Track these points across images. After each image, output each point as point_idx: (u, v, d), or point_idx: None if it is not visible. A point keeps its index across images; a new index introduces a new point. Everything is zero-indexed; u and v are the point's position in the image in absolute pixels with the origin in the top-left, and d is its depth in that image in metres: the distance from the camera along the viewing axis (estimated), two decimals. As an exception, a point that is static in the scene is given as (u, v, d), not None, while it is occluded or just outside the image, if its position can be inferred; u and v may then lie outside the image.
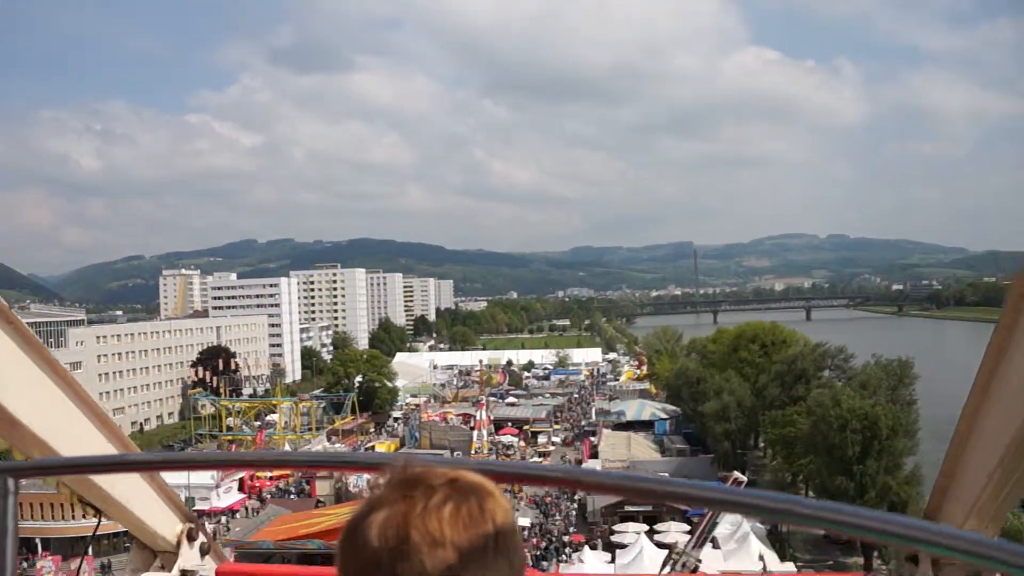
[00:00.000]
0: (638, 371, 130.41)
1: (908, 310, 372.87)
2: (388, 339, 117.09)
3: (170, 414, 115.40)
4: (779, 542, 51.74)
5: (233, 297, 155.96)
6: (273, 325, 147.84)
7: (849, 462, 50.45)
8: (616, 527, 53.91)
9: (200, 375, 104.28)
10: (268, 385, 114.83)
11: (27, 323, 2.42)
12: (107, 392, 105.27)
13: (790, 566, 43.60)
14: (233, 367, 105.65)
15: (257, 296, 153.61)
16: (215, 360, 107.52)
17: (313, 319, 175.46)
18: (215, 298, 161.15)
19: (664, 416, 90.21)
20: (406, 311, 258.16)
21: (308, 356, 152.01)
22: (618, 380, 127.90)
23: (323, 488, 65.86)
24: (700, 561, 40.49)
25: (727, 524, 52.37)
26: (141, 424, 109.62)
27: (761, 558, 45.48)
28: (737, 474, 39.87)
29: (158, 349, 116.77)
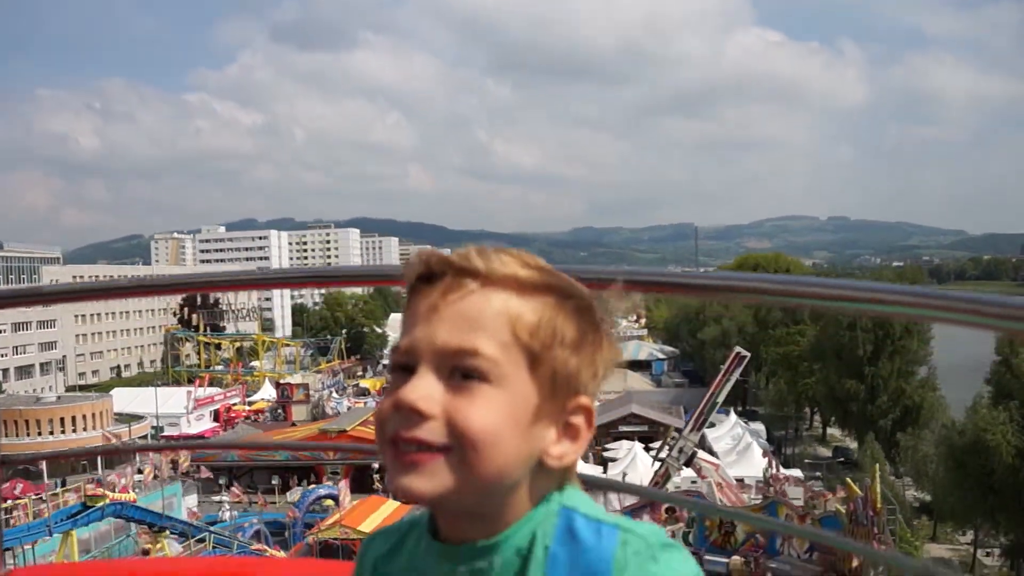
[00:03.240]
0: (636, 324, 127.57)
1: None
2: (384, 303, 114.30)
3: (152, 361, 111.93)
4: (782, 457, 48.78)
5: (221, 250, 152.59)
6: (263, 302, 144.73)
7: (859, 363, 46.85)
8: (609, 445, 51.91)
9: (182, 313, 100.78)
10: (254, 326, 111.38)
11: None
12: (84, 335, 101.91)
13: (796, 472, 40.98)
14: (213, 301, 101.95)
15: (247, 249, 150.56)
16: (198, 302, 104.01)
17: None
18: (202, 251, 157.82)
19: (662, 356, 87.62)
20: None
21: (299, 313, 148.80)
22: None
23: (299, 413, 62.89)
24: (696, 447, 37.57)
25: (728, 439, 49.63)
26: (120, 368, 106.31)
27: (766, 454, 42.73)
28: (739, 349, 36.57)
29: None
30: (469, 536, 0.98)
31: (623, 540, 0.92)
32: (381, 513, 39.71)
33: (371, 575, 1.08)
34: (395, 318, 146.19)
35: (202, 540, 33.07)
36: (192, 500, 43.65)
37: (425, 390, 0.94)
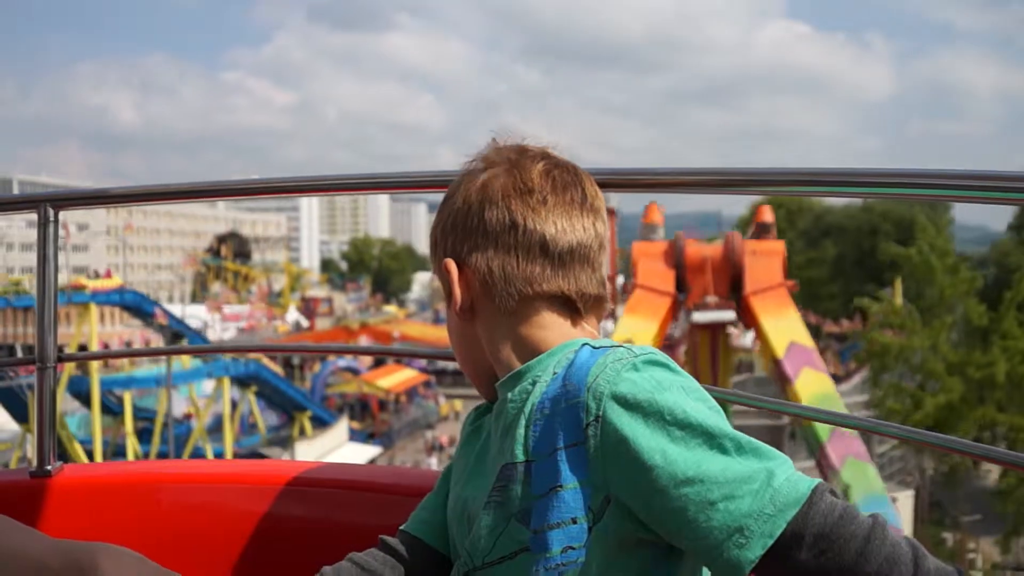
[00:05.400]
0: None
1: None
2: (410, 262, 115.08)
3: (181, 297, 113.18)
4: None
5: (253, 210, 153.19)
6: (292, 229, 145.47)
7: (881, 271, 46.41)
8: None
9: (217, 246, 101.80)
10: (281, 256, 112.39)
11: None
12: (115, 264, 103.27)
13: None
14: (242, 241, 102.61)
15: (277, 209, 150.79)
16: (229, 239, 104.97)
17: (334, 235, 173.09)
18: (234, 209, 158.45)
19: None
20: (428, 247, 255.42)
21: (327, 266, 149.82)
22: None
23: (323, 326, 63.55)
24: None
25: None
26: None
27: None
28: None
29: (171, 231, 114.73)
30: (507, 374, 1.10)
31: (610, 352, 0.99)
32: (400, 375, 40.37)
33: (470, 423, 1.21)
34: (421, 276, 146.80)
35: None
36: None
37: None
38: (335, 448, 30.08)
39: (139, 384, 28.13)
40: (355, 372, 41.53)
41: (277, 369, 34.49)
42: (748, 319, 12.84)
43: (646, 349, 0.99)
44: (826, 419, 1.51)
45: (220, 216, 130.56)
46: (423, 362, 46.43)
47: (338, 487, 1.59)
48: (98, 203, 1.94)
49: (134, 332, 49.49)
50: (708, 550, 0.89)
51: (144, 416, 30.05)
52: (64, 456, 25.22)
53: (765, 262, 13.63)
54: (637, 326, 12.00)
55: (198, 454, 29.44)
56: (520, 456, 1.00)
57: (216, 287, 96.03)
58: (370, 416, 40.20)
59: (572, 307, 1.10)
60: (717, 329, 13.66)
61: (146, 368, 28.33)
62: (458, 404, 43.78)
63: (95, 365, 26.71)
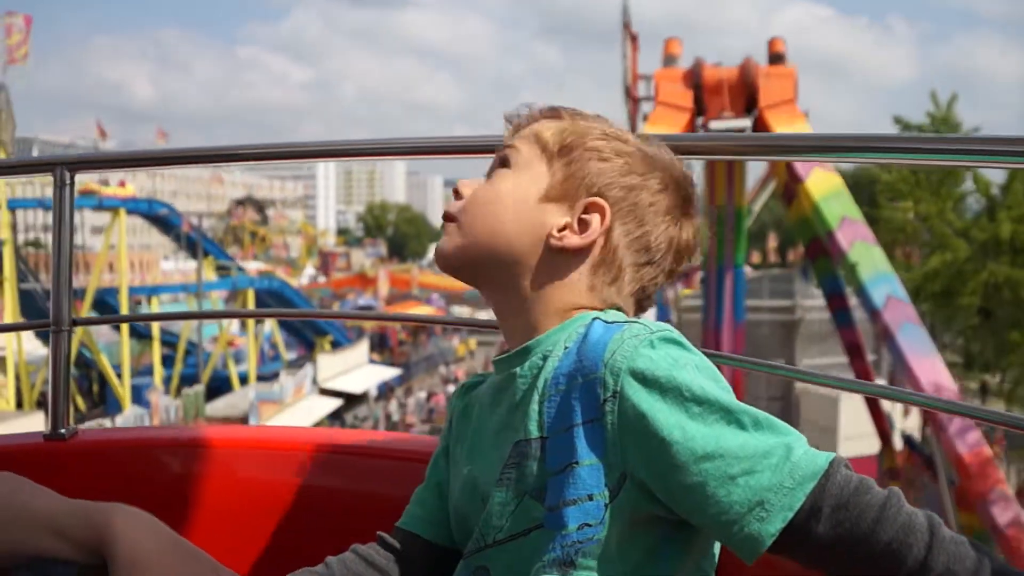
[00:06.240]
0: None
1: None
2: (426, 231, 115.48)
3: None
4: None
5: (270, 177, 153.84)
6: (309, 197, 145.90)
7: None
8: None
9: (232, 209, 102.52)
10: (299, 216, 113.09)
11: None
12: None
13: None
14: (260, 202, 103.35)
15: (295, 177, 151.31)
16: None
17: (350, 205, 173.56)
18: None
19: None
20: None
21: (343, 232, 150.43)
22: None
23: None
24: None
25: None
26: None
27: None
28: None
29: (187, 195, 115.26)
30: (515, 347, 1.09)
31: (628, 328, 0.97)
32: (419, 311, 40.92)
33: (457, 402, 1.22)
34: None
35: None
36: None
37: (471, 180, 1.16)
38: (356, 366, 30.67)
39: (166, 291, 28.70)
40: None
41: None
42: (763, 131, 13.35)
43: (661, 326, 0.99)
44: (835, 384, 1.54)
45: (236, 181, 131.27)
46: (442, 300, 47.03)
47: (360, 454, 1.57)
48: (114, 166, 1.97)
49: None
50: (727, 525, 0.90)
51: (168, 341, 30.60)
52: (87, 364, 25.21)
53: (778, 83, 14.26)
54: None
55: (219, 376, 30.04)
56: (534, 432, 1.00)
57: (233, 250, 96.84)
58: (389, 349, 40.88)
59: (628, 302, 1.12)
60: (732, 139, 14.19)
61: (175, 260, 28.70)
62: (473, 343, 44.40)
63: (124, 280, 27.28)
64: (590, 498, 0.95)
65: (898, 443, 15.08)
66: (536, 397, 1.01)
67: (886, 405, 16.49)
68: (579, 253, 1.07)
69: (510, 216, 1.08)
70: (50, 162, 1.69)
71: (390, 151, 1.71)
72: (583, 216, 1.07)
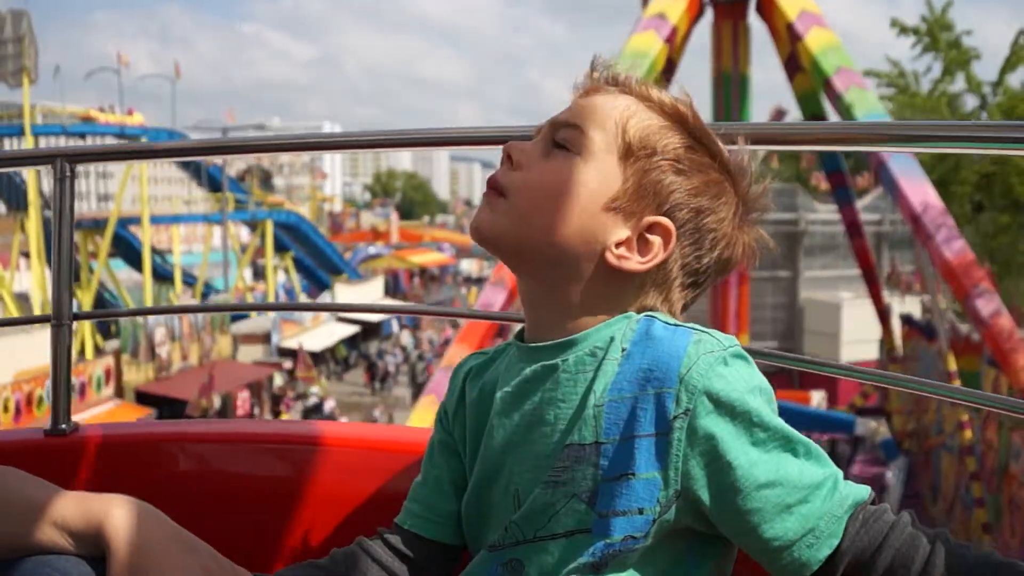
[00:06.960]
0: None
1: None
2: (434, 203, 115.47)
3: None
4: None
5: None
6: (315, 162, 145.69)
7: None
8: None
9: (238, 174, 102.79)
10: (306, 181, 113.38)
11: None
12: (134, 195, 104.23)
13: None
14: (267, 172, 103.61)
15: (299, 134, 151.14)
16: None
17: (356, 177, 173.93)
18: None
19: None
20: (451, 194, 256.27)
21: (350, 203, 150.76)
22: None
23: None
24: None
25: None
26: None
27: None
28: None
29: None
30: (549, 338, 1.02)
31: (697, 339, 0.94)
32: (431, 255, 41.65)
33: (462, 386, 1.14)
34: (442, 218, 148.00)
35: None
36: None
37: (525, 146, 1.04)
38: (372, 299, 31.45)
39: (186, 219, 29.26)
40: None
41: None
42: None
43: (731, 341, 0.96)
44: (832, 372, 1.54)
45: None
46: (452, 250, 47.67)
47: (363, 448, 1.55)
48: (114, 159, 1.98)
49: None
50: (778, 551, 0.91)
51: (188, 282, 31.33)
52: (102, 303, 25.41)
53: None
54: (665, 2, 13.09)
55: (239, 317, 30.76)
56: (589, 438, 0.96)
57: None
58: (402, 294, 41.72)
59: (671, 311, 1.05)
60: (738, 10, 14.64)
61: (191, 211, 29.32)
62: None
63: (146, 218, 27.87)
64: (640, 512, 0.93)
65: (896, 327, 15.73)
66: (592, 400, 0.96)
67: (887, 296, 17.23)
68: (633, 273, 1.01)
69: (573, 218, 0.99)
70: (50, 154, 1.65)
71: (395, 143, 1.67)
72: (646, 235, 1.00)
